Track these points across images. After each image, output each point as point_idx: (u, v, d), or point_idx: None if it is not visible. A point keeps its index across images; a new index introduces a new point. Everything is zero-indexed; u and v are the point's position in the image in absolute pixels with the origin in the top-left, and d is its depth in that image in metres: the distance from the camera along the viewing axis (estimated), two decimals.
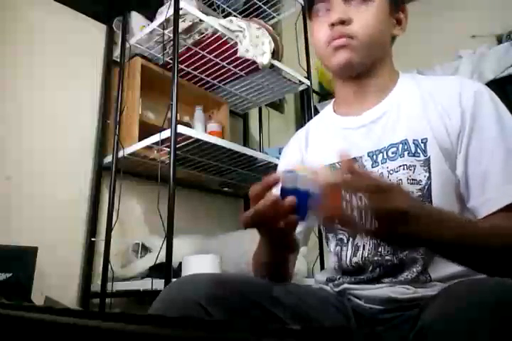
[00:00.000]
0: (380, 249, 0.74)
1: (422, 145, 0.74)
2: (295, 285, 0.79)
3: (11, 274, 1.10)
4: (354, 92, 0.85)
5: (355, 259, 0.77)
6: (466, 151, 0.71)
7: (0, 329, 0.34)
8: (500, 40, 2.22)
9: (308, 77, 1.97)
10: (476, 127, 0.71)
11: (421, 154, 0.74)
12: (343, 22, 0.77)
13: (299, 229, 0.90)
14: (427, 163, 0.73)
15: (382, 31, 0.81)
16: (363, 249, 0.76)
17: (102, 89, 1.66)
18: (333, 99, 0.93)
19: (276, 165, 1.73)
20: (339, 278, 0.80)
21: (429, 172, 0.72)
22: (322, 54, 0.83)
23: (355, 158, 0.79)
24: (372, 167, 0.78)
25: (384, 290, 0.72)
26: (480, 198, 0.68)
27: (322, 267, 1.66)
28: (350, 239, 0.79)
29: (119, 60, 1.66)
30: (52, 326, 0.30)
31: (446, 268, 0.70)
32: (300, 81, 1.93)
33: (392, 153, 0.76)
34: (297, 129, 1.02)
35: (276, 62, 1.78)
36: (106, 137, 1.62)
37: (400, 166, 0.74)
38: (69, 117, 1.55)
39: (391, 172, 0.75)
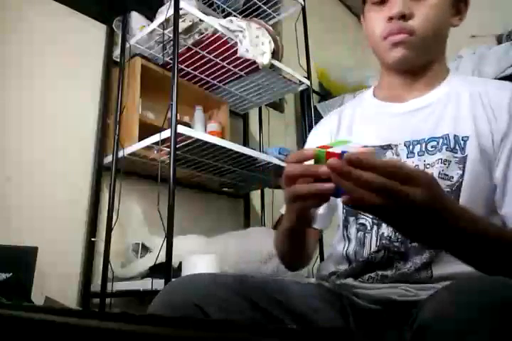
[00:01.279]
0: (391, 234, 0.73)
1: (462, 142, 0.71)
2: (295, 284, 0.78)
3: (11, 274, 1.10)
4: (401, 84, 0.82)
5: (376, 249, 0.74)
6: (509, 156, 0.69)
7: (0, 329, 0.34)
8: (500, 40, 2.22)
9: (309, 77, 1.97)
10: None
11: (459, 151, 0.71)
12: (403, 16, 0.72)
13: (322, 211, 0.88)
14: (462, 161, 0.71)
15: (443, 27, 0.77)
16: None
17: (102, 89, 1.66)
18: (373, 85, 0.90)
19: (276, 165, 1.74)
20: (339, 272, 0.79)
21: (463, 171, 0.70)
22: (376, 47, 0.79)
23: (390, 146, 0.77)
24: (408, 157, 0.75)
25: (384, 291, 0.71)
26: None
27: None
28: (374, 227, 0.76)
29: (119, 60, 1.66)
30: (52, 326, 0.30)
31: (450, 268, 0.68)
32: (300, 81, 1.93)
33: (432, 147, 0.73)
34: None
35: (276, 62, 1.77)
36: (106, 137, 1.62)
37: (437, 160, 0.72)
38: (69, 117, 1.54)
39: (427, 166, 0.73)
